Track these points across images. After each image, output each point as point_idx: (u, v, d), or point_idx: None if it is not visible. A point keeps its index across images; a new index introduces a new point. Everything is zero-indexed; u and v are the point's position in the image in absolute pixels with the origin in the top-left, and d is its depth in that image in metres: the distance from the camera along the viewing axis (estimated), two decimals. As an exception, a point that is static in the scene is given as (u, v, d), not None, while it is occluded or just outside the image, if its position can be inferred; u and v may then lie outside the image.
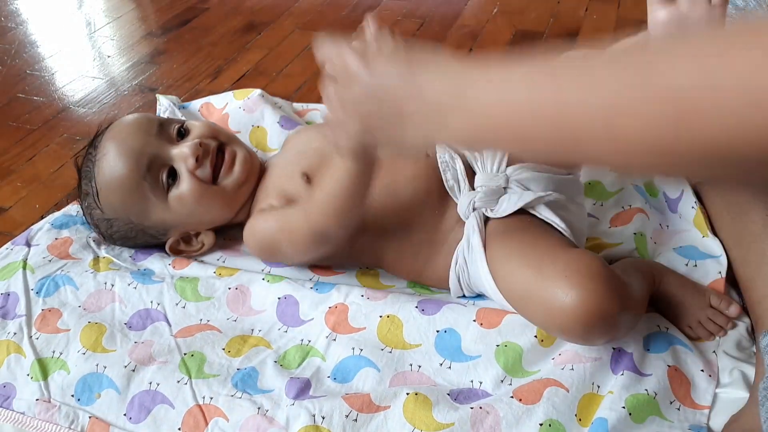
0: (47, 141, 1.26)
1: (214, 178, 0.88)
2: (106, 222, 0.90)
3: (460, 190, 0.80)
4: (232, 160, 0.88)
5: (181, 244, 0.92)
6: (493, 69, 0.46)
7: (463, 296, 0.82)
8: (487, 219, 0.79)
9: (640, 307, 0.74)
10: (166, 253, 0.93)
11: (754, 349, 0.75)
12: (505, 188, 0.80)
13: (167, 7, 1.80)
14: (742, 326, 0.78)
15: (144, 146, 0.86)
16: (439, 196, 0.82)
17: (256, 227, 0.85)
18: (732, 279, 0.82)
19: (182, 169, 0.86)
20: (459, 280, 0.80)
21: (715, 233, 0.87)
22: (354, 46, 0.58)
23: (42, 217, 1.01)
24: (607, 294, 0.64)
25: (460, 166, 0.81)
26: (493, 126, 0.46)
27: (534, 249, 0.72)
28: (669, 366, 0.71)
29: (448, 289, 0.82)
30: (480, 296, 0.82)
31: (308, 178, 0.84)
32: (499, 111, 0.45)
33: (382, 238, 0.83)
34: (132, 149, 0.86)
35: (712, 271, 0.82)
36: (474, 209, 0.78)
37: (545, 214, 0.77)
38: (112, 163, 0.86)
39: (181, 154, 0.86)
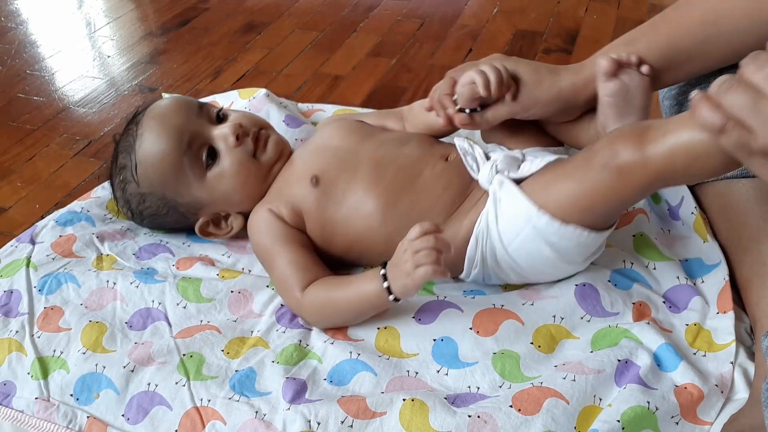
0: (47, 141, 1.27)
1: (254, 155, 0.90)
2: (140, 197, 0.91)
3: (479, 168, 0.81)
4: (265, 141, 0.91)
5: (210, 226, 0.92)
6: None
7: (465, 292, 0.82)
8: None
9: None
10: (169, 254, 0.93)
11: (753, 349, 0.75)
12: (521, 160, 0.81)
13: (167, 7, 1.80)
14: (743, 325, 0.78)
15: (186, 124, 0.88)
16: (458, 188, 0.82)
17: (260, 242, 0.86)
18: (732, 280, 0.82)
19: (222, 147, 0.88)
20: (477, 246, 0.79)
21: (714, 236, 0.87)
22: None
23: (42, 217, 1.01)
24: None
25: (479, 150, 0.82)
26: None
27: (565, 163, 0.76)
28: (677, 386, 0.70)
29: (456, 278, 0.83)
30: (479, 292, 0.82)
31: (317, 181, 0.84)
32: None
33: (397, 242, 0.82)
34: (175, 125, 0.88)
35: (718, 280, 0.82)
36: (497, 172, 0.79)
37: None
38: (154, 137, 0.88)
39: (222, 133, 0.89)
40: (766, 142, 0.50)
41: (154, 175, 0.89)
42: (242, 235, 0.92)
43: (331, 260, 0.85)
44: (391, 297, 0.73)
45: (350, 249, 0.85)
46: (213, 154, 0.89)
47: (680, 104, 0.88)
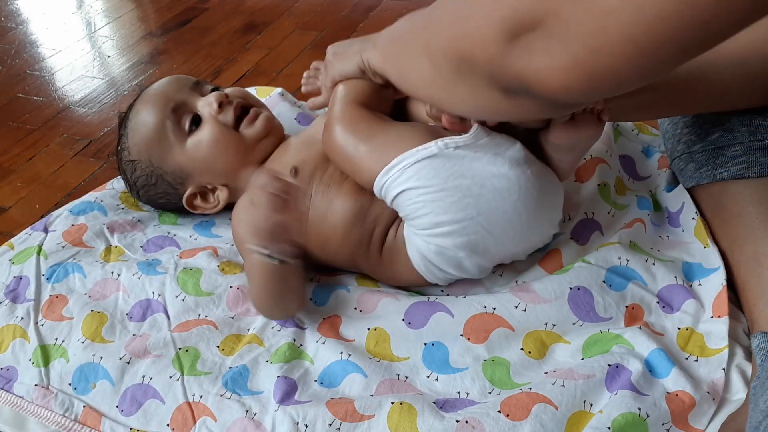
0: (47, 141, 1.27)
1: (237, 126, 0.92)
2: (131, 165, 0.94)
3: None
4: (255, 116, 0.93)
5: (197, 199, 0.94)
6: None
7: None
8: None
9: None
10: (175, 247, 0.93)
11: (751, 349, 0.75)
12: None
13: (167, 7, 1.81)
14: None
15: (175, 93, 0.93)
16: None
17: (236, 231, 0.85)
18: (731, 282, 0.82)
19: (205, 114, 0.91)
20: (411, 245, 0.79)
21: (714, 239, 0.87)
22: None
23: (42, 217, 1.02)
24: None
25: None
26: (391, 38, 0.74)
27: None
28: (669, 392, 0.70)
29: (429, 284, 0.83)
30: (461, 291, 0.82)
31: (296, 172, 0.86)
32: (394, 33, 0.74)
33: (354, 259, 0.83)
34: (164, 93, 0.93)
35: (715, 284, 0.81)
36: None
37: None
38: (144, 105, 0.94)
39: (206, 101, 0.92)
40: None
41: (141, 140, 0.92)
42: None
43: (313, 262, 0.85)
44: (275, 261, 0.73)
45: (322, 249, 0.84)
46: (197, 122, 0.92)
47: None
